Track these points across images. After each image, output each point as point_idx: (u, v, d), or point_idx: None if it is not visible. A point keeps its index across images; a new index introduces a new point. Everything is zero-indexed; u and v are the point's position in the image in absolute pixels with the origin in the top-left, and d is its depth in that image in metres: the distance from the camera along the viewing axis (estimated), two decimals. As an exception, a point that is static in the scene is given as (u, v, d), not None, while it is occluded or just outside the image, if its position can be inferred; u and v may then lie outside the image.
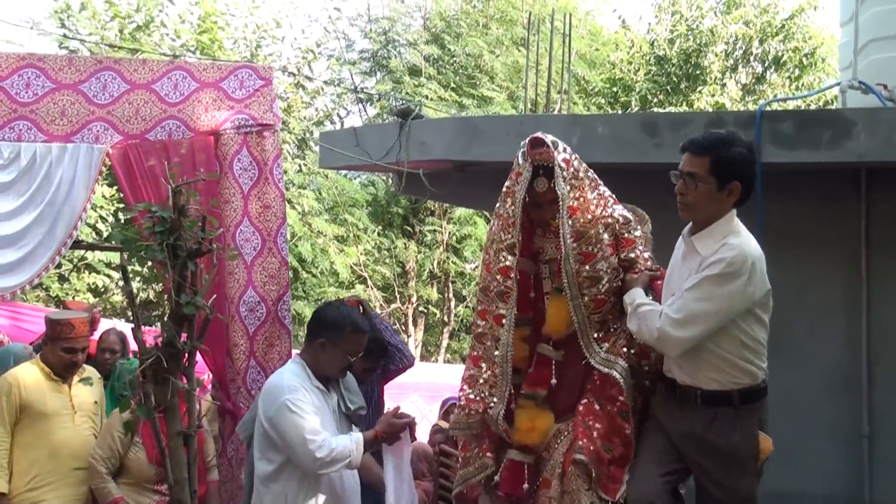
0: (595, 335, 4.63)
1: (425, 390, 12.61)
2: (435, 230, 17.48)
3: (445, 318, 18.20)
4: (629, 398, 4.56)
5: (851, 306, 6.94)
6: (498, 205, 4.77)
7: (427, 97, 16.33)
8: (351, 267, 16.67)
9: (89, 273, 14.55)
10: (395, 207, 17.51)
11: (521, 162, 4.65)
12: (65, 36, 15.04)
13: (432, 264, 17.68)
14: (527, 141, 4.64)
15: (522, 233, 4.67)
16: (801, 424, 6.62)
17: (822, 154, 6.26)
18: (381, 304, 17.16)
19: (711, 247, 4.37)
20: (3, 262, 6.64)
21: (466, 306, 18.24)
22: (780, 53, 20.25)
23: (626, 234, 4.70)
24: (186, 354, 4.54)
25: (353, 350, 5.19)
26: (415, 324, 18.01)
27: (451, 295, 18.12)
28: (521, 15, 18.55)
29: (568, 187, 4.54)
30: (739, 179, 4.41)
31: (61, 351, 6.21)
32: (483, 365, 4.74)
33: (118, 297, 15.24)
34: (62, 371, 6.26)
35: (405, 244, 17.52)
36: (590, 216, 4.59)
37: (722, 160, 4.41)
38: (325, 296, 15.62)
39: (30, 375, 6.20)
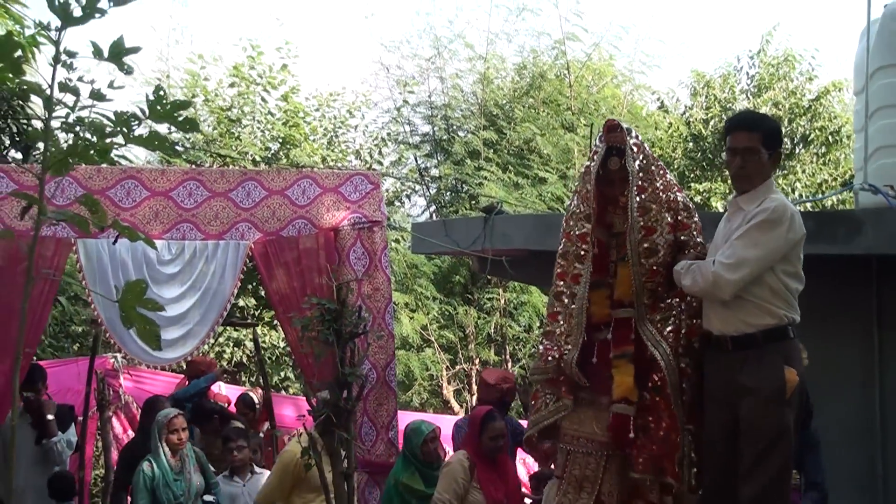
0: (646, 300, 4.96)
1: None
2: (493, 297, 18.37)
3: (504, 378, 18.91)
4: (672, 378, 4.86)
5: (866, 373, 7.44)
6: (577, 184, 5.35)
7: (486, 178, 17.40)
8: (419, 331, 17.63)
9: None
10: (456, 277, 18.47)
11: (598, 144, 5.14)
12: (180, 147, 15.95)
13: (490, 329, 18.56)
14: (603, 125, 5.17)
15: (597, 207, 5.08)
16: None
17: (839, 247, 6.84)
18: (447, 366, 18.10)
19: (755, 202, 4.78)
20: (169, 337, 7.74)
21: (522, 367, 19.11)
22: (807, 132, 20.74)
23: (684, 219, 5.04)
24: (346, 412, 5.76)
25: None
26: (476, 383, 18.88)
27: (507, 356, 18.90)
28: (568, 101, 19.68)
29: (637, 167, 4.97)
30: (780, 147, 4.94)
31: None
32: (560, 319, 5.15)
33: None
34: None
35: (466, 311, 18.42)
36: (654, 196, 4.97)
37: (770, 132, 4.89)
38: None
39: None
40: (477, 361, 18.41)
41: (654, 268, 4.96)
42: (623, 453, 4.95)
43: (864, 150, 8.13)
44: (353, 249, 8.17)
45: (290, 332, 7.91)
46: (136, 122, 3.86)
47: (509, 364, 18.77)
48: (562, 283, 5.20)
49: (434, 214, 19.46)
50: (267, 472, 7.84)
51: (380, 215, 8.31)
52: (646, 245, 4.94)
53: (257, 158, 16.39)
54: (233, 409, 10.82)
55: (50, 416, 8.12)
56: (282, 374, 16.60)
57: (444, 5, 43.38)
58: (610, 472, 4.99)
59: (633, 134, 5.09)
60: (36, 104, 9.85)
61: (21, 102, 9.50)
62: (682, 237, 5.04)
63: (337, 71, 37.48)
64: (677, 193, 5.10)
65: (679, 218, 5.04)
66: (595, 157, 5.10)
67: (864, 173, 7.93)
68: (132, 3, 3.77)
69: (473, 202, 18.17)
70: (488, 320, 18.27)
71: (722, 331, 4.80)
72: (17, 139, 9.79)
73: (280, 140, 17.07)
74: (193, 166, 13.90)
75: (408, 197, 19.84)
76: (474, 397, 18.38)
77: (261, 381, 12.03)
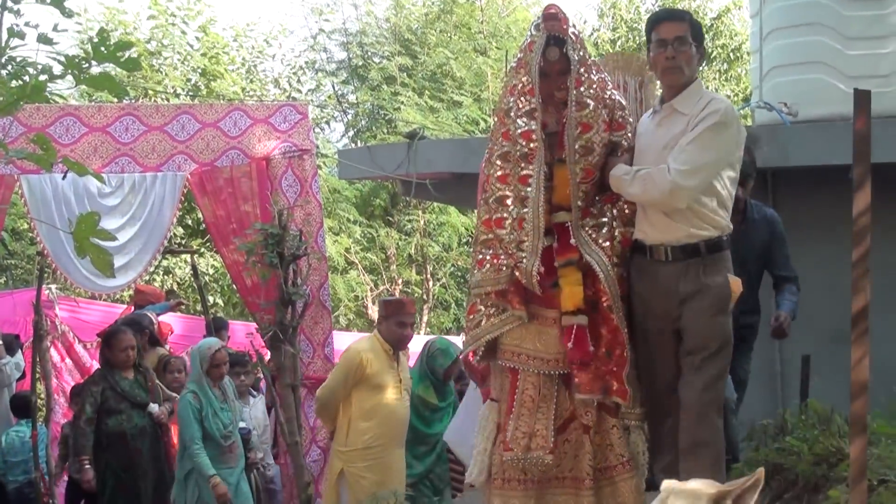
0: (580, 203, 4.62)
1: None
2: (412, 219, 18.81)
3: (425, 297, 19.37)
4: (613, 290, 4.57)
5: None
6: (509, 78, 4.84)
7: (403, 104, 17.74)
8: (343, 254, 18.01)
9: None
10: (377, 200, 18.84)
11: (534, 32, 4.66)
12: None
13: (411, 249, 19.01)
14: (541, 13, 4.70)
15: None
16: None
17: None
18: (370, 287, 18.57)
19: (696, 105, 4.48)
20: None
21: (442, 286, 19.60)
22: (710, 50, 21.12)
23: (619, 118, 4.70)
24: (291, 329, 6.19)
25: None
26: (399, 303, 19.35)
27: (428, 276, 19.40)
28: (480, 25, 20.01)
29: (577, 58, 4.57)
30: (703, 44, 4.67)
31: (395, 326, 6.56)
32: (507, 225, 4.64)
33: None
34: (396, 345, 6.60)
35: (387, 233, 18.81)
36: (592, 91, 4.61)
37: (696, 25, 4.64)
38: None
39: (371, 349, 6.54)
40: (399, 282, 18.89)
41: (589, 168, 4.62)
42: (574, 369, 4.59)
43: (760, 69, 8.55)
44: (285, 177, 8.45)
45: (227, 257, 8.24)
46: (87, 65, 4.14)
47: (430, 283, 19.28)
48: (504, 185, 4.68)
49: (353, 140, 19.76)
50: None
51: (309, 144, 8.61)
52: (582, 143, 4.58)
53: (179, 91, 16.53)
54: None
55: None
56: (210, 300, 16.89)
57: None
58: (562, 392, 4.67)
59: (572, 23, 4.69)
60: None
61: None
62: (615, 138, 4.70)
63: (252, 0, 37.14)
64: (613, 91, 4.77)
65: (615, 116, 4.70)
66: (532, 49, 4.63)
67: (760, 92, 8.36)
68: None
69: (391, 127, 18.50)
70: (409, 241, 18.71)
71: (661, 241, 4.54)
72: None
73: (200, 71, 17.21)
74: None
75: (327, 123, 20.10)
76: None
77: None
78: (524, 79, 4.63)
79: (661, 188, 4.39)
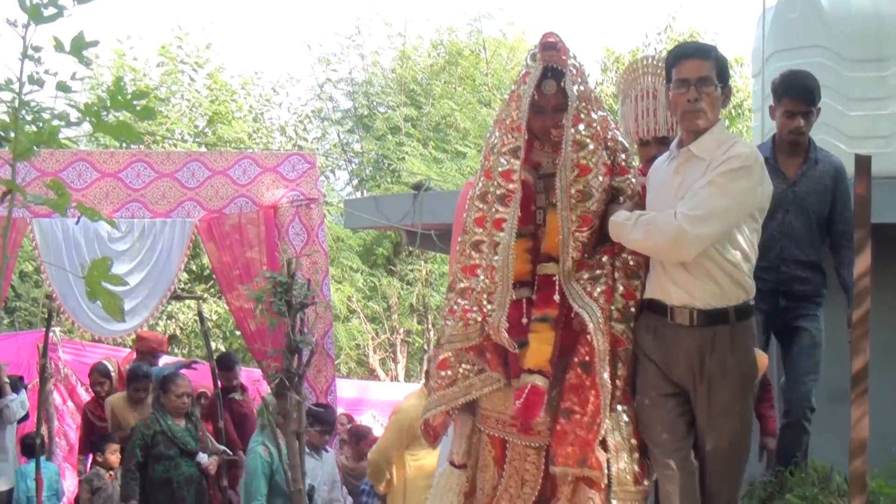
0: (574, 254, 4.13)
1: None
2: (415, 269, 18.87)
3: (425, 346, 19.29)
4: (602, 346, 4.06)
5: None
6: (499, 112, 4.36)
7: (407, 153, 17.93)
8: (345, 302, 18.09)
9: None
10: (379, 249, 18.97)
11: (529, 62, 4.21)
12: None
13: (413, 299, 19.09)
14: (539, 42, 4.21)
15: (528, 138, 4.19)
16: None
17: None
18: (371, 335, 18.64)
19: (716, 149, 4.02)
20: None
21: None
22: None
23: (622, 161, 4.26)
24: (297, 377, 6.26)
25: None
26: (400, 352, 19.46)
27: (429, 325, 19.45)
28: (484, 78, 20.25)
29: (576, 92, 4.09)
30: (729, 83, 4.20)
31: None
32: (479, 273, 4.19)
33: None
34: None
35: (389, 282, 18.92)
36: (592, 130, 4.14)
37: (722, 62, 4.15)
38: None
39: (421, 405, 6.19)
40: (401, 331, 18.96)
41: (586, 215, 4.13)
42: (526, 438, 4.17)
43: (762, 128, 8.69)
44: (292, 225, 8.56)
45: (232, 302, 8.34)
46: (105, 112, 4.24)
47: (431, 332, 19.34)
48: (480, 229, 4.20)
49: (357, 188, 19.92)
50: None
51: (316, 193, 8.74)
52: (579, 187, 4.10)
53: (186, 136, 16.73)
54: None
55: (5, 379, 8.55)
56: (213, 345, 16.97)
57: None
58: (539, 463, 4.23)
59: (572, 55, 4.18)
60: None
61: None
62: (617, 183, 4.23)
63: (260, 49, 37.60)
64: (615, 131, 4.31)
65: (617, 160, 4.24)
66: (527, 80, 4.15)
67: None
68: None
69: (395, 176, 18.67)
70: (411, 291, 18.79)
71: (685, 302, 4.06)
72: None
73: (208, 118, 17.44)
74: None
75: (332, 172, 20.30)
76: (399, 365, 18.98)
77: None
78: (514, 113, 4.16)
79: (665, 235, 3.92)
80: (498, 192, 4.14)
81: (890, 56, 8.31)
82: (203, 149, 16.18)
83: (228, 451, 8.20)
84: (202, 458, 7.65)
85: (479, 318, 4.13)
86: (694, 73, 4.04)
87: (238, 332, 16.23)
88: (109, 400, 8.83)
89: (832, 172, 5.65)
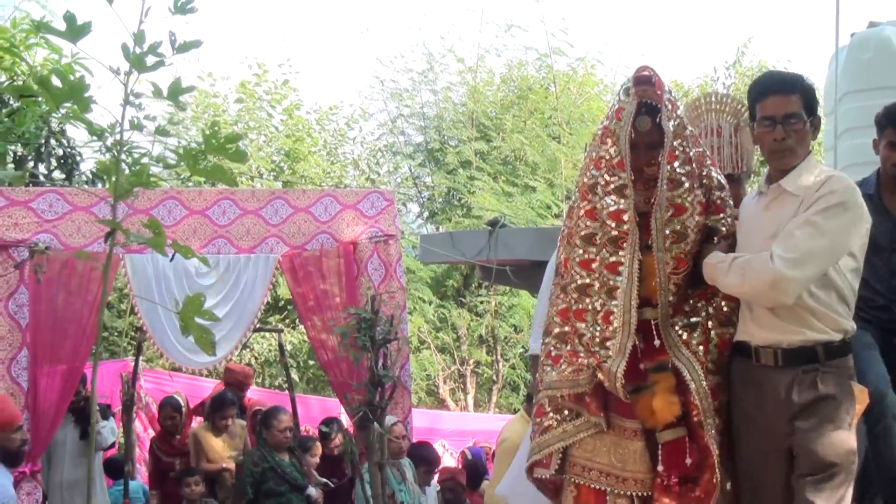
0: (671, 298, 4.00)
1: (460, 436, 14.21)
2: (484, 301, 18.99)
3: (494, 378, 19.51)
4: (705, 403, 3.92)
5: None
6: (591, 150, 4.14)
7: (479, 188, 18.14)
8: (416, 333, 18.28)
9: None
10: (450, 281, 19.16)
11: (622, 98, 4.02)
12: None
13: (482, 330, 19.25)
14: (632, 76, 4.03)
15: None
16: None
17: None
18: (442, 367, 18.82)
19: (810, 184, 3.83)
20: None
21: (511, 367, 19.76)
22: None
23: (717, 199, 4.08)
24: (380, 409, 6.46)
25: None
26: (470, 382, 19.59)
27: (499, 356, 19.58)
28: (554, 113, 20.41)
29: (672, 130, 3.91)
30: (818, 112, 4.01)
31: None
32: (588, 318, 4.05)
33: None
34: None
35: (459, 313, 19.10)
36: (688, 168, 3.96)
37: (809, 93, 3.96)
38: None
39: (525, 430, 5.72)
40: (471, 362, 19.11)
41: (681, 257, 3.98)
42: (623, 487, 4.05)
43: (834, 166, 8.76)
44: (371, 261, 8.76)
45: (315, 337, 8.56)
46: (202, 157, 4.46)
47: (500, 363, 19.45)
48: (587, 272, 4.05)
49: (427, 221, 20.17)
50: None
51: (394, 229, 8.94)
52: (674, 227, 3.95)
53: (263, 171, 17.12)
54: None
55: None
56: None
57: (436, 21, 44.41)
58: None
59: (667, 89, 3.99)
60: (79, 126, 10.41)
61: (63, 127, 10.16)
62: (712, 222, 4.07)
63: (335, 85, 38.23)
64: (711, 168, 4.11)
65: (712, 198, 4.07)
66: (621, 116, 3.99)
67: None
68: (195, 49, 4.31)
69: (465, 210, 18.88)
70: (480, 322, 18.94)
71: (769, 342, 3.90)
72: (62, 161, 10.44)
73: (284, 153, 17.84)
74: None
75: (403, 205, 20.57)
76: (469, 395, 19.11)
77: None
78: (612, 150, 3.99)
79: (762, 279, 3.72)
80: (611, 234, 3.98)
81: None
82: (279, 184, 16.55)
83: (329, 482, 8.33)
84: (311, 491, 7.80)
85: (594, 364, 4.03)
86: (780, 110, 3.89)
87: (312, 362, 16.59)
88: (193, 431, 9.06)
89: None
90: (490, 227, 9.43)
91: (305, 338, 13.96)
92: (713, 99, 4.68)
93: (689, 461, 3.88)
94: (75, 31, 3.23)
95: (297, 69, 18.68)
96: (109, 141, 4.35)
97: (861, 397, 3.94)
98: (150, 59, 3.90)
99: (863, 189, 4.58)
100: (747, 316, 3.96)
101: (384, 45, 45.56)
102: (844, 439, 3.82)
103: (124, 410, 10.74)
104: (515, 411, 18.64)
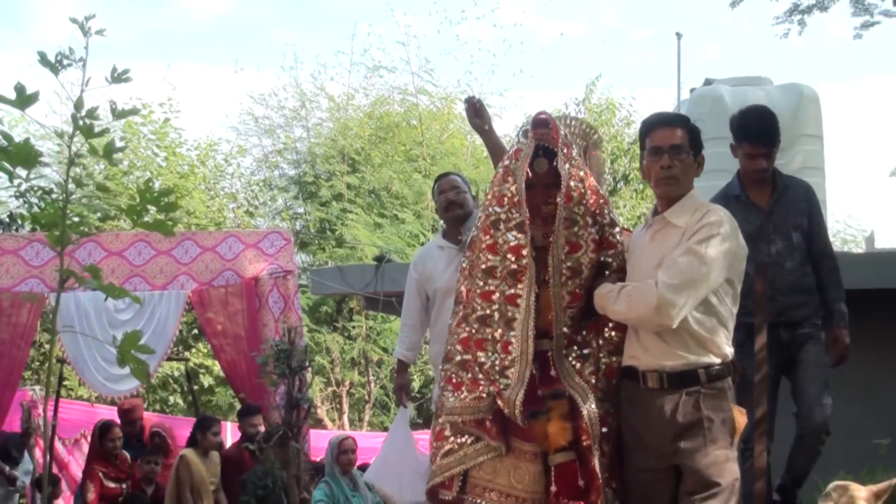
0: (565, 330, 4.14)
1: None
2: (356, 325, 19.77)
3: (366, 398, 20.29)
4: (595, 429, 4.04)
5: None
6: (495, 186, 4.24)
7: (352, 220, 18.95)
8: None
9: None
10: (323, 308, 19.89)
11: (521, 140, 4.18)
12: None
13: (354, 353, 19.97)
14: (530, 119, 4.19)
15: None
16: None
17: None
18: (320, 388, 19.51)
19: (690, 216, 4.01)
20: (121, 373, 9.08)
21: (381, 387, 20.55)
22: (627, 171, 22.61)
23: (609, 236, 4.20)
24: (297, 428, 7.26)
25: None
26: (345, 402, 20.35)
27: (370, 377, 20.41)
28: (419, 148, 21.40)
29: (568, 172, 4.06)
30: (702, 152, 4.15)
31: None
32: (489, 347, 4.15)
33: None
34: None
35: (333, 337, 19.81)
36: (583, 208, 4.09)
37: (694, 131, 4.14)
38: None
39: None
40: (346, 383, 19.85)
41: (577, 291, 4.12)
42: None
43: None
44: (271, 295, 9.54)
45: (224, 363, 9.35)
46: (145, 211, 5.17)
47: (372, 384, 20.21)
48: (486, 303, 4.18)
49: (301, 252, 20.86)
50: None
51: (292, 265, 9.78)
52: (570, 264, 4.09)
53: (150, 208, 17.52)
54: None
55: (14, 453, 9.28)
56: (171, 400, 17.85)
57: (307, 61, 45.67)
58: None
59: (563, 133, 4.16)
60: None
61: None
62: (605, 257, 4.20)
63: (211, 122, 38.73)
64: (604, 206, 4.22)
65: (605, 234, 4.18)
66: (519, 157, 4.13)
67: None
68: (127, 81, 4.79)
69: (337, 242, 19.64)
70: (353, 345, 19.70)
71: (654, 366, 4.02)
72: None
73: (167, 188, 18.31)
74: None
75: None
76: (344, 415, 19.86)
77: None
78: (513, 188, 4.13)
79: (647, 304, 3.88)
80: (511, 267, 4.12)
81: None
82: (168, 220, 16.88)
83: None
84: None
85: (494, 392, 4.11)
86: (667, 141, 4.05)
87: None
88: (186, 456, 8.89)
89: (804, 193, 5.51)
90: (377, 262, 10.30)
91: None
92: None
93: (581, 483, 4.01)
94: (24, 100, 3.24)
95: (178, 108, 19.07)
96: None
97: (740, 419, 4.06)
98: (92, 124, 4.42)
99: (730, 192, 5.28)
100: (634, 342, 4.10)
101: (257, 83, 46.55)
102: (725, 459, 3.97)
103: (24, 436, 11.13)
104: (387, 429, 19.47)
